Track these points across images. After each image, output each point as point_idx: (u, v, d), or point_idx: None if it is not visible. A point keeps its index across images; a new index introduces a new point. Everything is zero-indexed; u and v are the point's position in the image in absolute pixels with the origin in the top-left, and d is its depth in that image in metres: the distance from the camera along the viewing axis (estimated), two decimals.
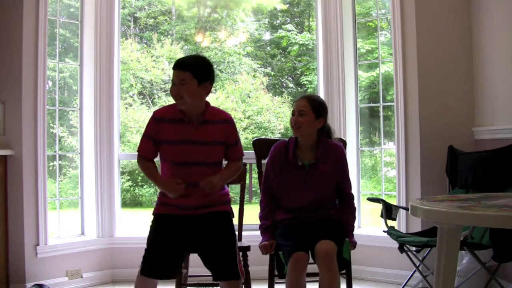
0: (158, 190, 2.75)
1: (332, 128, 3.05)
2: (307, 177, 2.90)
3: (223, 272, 2.60)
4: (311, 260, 2.73)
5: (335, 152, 2.94)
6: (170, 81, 2.66)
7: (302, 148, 2.95)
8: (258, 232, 2.96)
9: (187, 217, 2.63)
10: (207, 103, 2.73)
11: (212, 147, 2.67)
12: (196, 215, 2.64)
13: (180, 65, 2.62)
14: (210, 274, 2.73)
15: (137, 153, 2.77)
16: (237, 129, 2.79)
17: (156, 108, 2.66)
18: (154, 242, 2.63)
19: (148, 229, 2.71)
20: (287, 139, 3.04)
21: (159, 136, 2.67)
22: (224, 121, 2.72)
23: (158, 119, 2.69)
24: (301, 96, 2.99)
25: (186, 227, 2.63)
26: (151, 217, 2.74)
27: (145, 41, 12.41)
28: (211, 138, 2.66)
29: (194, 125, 2.64)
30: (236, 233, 2.78)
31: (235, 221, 3.45)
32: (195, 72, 2.61)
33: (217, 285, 2.97)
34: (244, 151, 2.93)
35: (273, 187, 2.98)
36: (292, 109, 2.98)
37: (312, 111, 2.90)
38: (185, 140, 2.63)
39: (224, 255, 2.61)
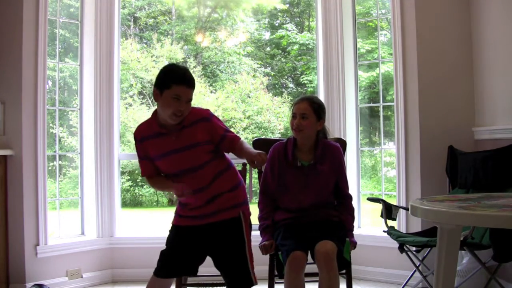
0: (176, 202, 2.74)
1: (328, 128, 3.06)
2: (306, 178, 2.90)
3: (235, 282, 2.61)
4: (310, 260, 2.73)
5: (333, 152, 2.94)
6: (175, 95, 2.47)
7: (301, 149, 2.95)
8: (258, 232, 2.96)
9: (200, 228, 2.63)
10: None
11: (198, 148, 2.57)
12: (207, 224, 2.62)
13: (191, 83, 2.55)
14: (209, 274, 2.82)
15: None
16: (221, 121, 2.67)
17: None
18: (170, 249, 2.66)
19: (167, 234, 2.73)
20: (285, 139, 3.04)
21: (149, 154, 2.65)
22: (202, 119, 2.60)
23: (141, 140, 2.66)
24: (301, 98, 2.98)
25: (199, 237, 2.63)
26: (169, 226, 2.76)
27: (145, 41, 12.42)
28: (195, 140, 2.57)
29: (174, 134, 2.58)
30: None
31: None
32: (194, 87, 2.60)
33: (217, 285, 2.98)
34: None
35: (272, 187, 2.97)
36: (292, 111, 2.96)
37: (313, 113, 2.90)
38: (170, 152, 2.58)
39: (233, 265, 2.60)
